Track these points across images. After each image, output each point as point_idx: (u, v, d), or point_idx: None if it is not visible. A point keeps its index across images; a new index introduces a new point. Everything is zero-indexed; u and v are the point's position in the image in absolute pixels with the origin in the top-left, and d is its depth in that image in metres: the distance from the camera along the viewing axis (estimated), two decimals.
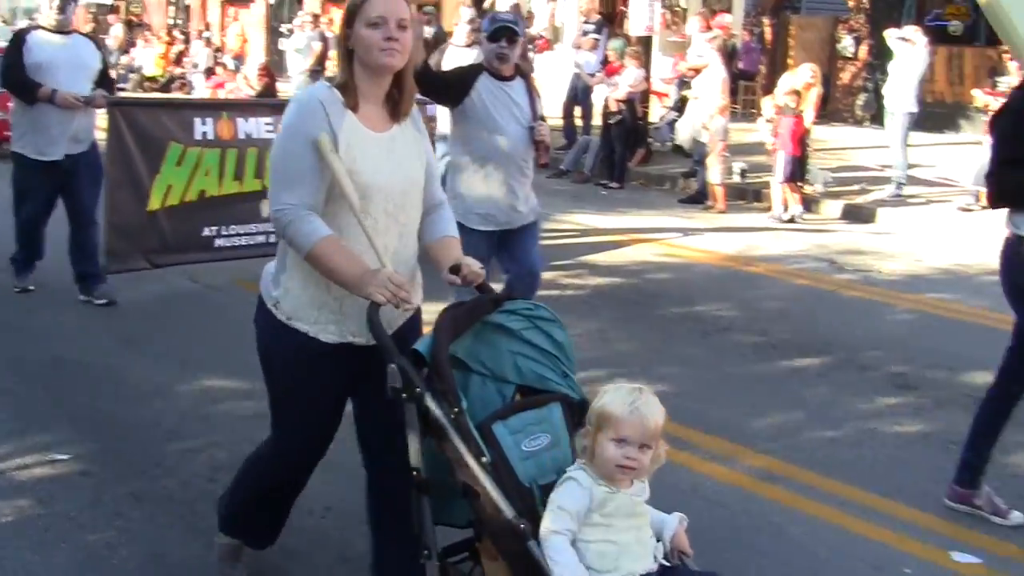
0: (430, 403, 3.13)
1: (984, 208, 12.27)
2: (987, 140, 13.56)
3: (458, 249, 3.65)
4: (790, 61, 19.59)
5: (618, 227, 11.71)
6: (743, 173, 14.12)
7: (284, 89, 18.42)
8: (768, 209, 12.62)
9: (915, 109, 13.17)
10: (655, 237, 11.26)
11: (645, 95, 15.64)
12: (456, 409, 3.10)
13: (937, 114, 17.58)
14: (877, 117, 16.53)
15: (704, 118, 13.17)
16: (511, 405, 3.39)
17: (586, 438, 3.12)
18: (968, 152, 14.52)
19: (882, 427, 6.08)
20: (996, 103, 13.78)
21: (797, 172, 12.44)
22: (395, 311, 3.41)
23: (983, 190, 12.56)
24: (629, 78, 14.71)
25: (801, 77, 12.95)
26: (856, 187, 13.76)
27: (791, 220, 12.23)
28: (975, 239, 11.22)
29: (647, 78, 15.48)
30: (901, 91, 13.17)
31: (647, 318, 8.18)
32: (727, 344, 7.60)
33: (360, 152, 3.38)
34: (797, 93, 12.60)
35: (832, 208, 12.98)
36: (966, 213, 12.42)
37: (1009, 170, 4.69)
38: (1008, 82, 14.11)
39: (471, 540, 3.41)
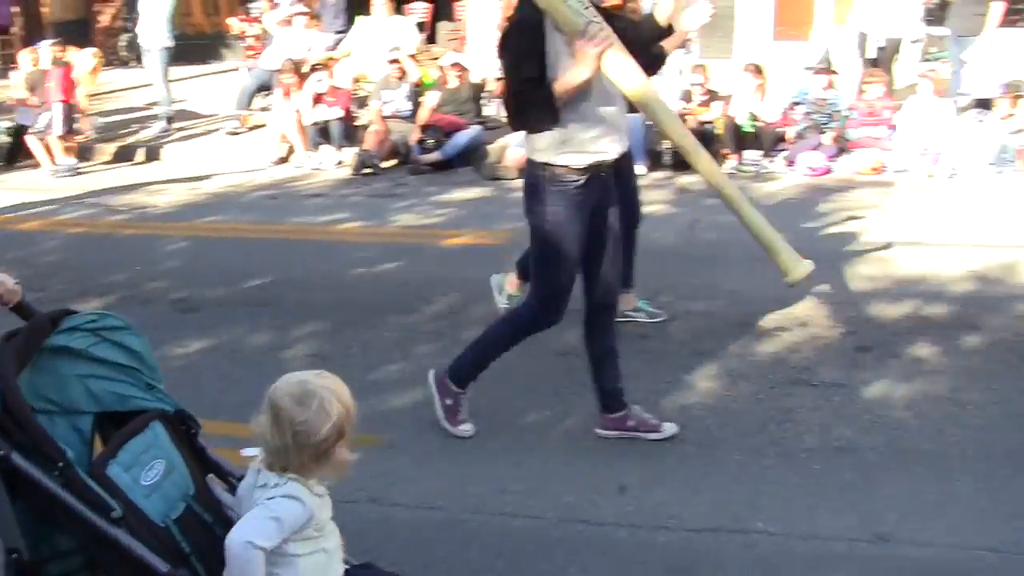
0: (20, 463, 2.59)
1: (251, 129, 13.01)
2: (245, 65, 14.29)
3: None
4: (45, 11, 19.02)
5: None
6: (9, 132, 13.47)
7: None
8: (39, 165, 12.18)
9: (170, 44, 13.31)
10: None
11: None
12: (61, 463, 2.62)
13: (199, 46, 17.95)
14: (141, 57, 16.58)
15: None
16: (115, 439, 2.88)
17: (306, 457, 2.77)
18: (230, 79, 15.15)
19: (172, 351, 6.27)
20: (252, 28, 14.51)
21: (68, 122, 12.15)
22: None
23: (245, 114, 13.34)
24: None
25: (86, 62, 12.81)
26: (129, 129, 13.76)
27: (65, 172, 11.96)
28: (242, 160, 11.87)
29: None
30: (153, 28, 13.23)
31: None
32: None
33: None
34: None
35: (106, 153, 12.89)
36: (234, 137, 12.97)
37: (531, 88, 4.42)
38: (260, 8, 14.80)
39: None
